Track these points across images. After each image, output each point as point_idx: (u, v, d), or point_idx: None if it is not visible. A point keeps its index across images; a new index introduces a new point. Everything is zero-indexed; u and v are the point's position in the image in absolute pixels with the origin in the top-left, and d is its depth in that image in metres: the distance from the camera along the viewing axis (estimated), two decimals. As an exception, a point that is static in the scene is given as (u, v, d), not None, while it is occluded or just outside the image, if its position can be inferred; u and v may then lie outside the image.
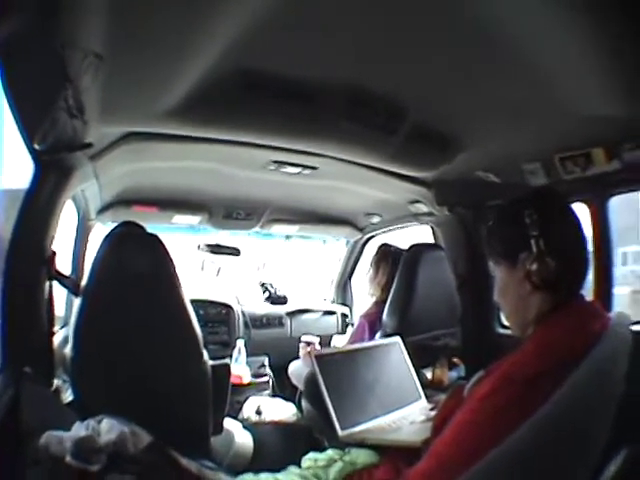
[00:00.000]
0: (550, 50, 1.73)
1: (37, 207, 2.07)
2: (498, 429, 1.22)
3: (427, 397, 2.60)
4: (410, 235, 4.68)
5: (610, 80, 1.85)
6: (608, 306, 2.71)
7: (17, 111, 1.62)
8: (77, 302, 2.15)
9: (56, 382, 2.18)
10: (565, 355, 1.32)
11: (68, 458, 1.58)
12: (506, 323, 3.51)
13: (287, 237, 5.27)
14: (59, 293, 2.31)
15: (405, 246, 3.45)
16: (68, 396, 2.21)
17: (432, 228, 4.21)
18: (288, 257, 5.98)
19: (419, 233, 4.54)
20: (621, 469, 1.16)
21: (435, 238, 4.19)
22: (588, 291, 1.63)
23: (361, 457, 1.94)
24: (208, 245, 4.50)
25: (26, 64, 1.44)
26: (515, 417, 1.18)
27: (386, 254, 3.78)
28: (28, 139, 1.74)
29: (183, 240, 4.61)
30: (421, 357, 2.86)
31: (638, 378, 1.29)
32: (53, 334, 2.25)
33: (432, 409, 2.29)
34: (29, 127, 1.70)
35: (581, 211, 1.67)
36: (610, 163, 2.51)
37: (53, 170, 2.10)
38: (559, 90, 1.99)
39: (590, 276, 1.57)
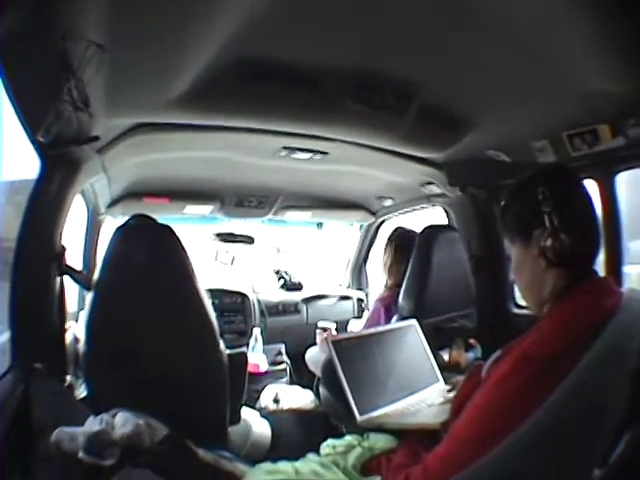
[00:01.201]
0: (553, 29, 1.72)
1: (45, 202, 2.07)
2: (518, 409, 1.21)
3: (445, 379, 2.58)
4: (424, 217, 4.66)
5: (612, 57, 1.84)
6: (619, 282, 2.71)
7: (20, 106, 1.61)
8: (89, 296, 2.14)
9: (69, 378, 2.19)
10: (582, 332, 1.32)
11: (81, 454, 1.58)
12: (521, 303, 3.54)
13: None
14: (71, 288, 2.32)
15: (419, 229, 3.43)
16: (82, 392, 2.22)
17: (445, 209, 4.20)
18: (302, 243, 5.98)
19: (433, 215, 4.53)
20: (633, 443, 1.15)
21: (448, 219, 4.18)
22: (599, 267, 1.63)
23: (380, 442, 1.93)
24: (221, 234, 4.50)
25: (27, 57, 1.43)
26: (535, 396, 1.17)
27: (399, 237, 3.76)
28: (32, 134, 1.73)
29: (196, 230, 4.62)
30: (437, 339, 2.85)
31: None
32: (65, 330, 2.26)
33: (450, 391, 2.28)
34: (33, 122, 1.69)
35: (590, 187, 1.69)
36: (615, 139, 2.51)
37: (60, 165, 2.10)
38: (563, 68, 1.97)
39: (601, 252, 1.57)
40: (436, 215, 4.42)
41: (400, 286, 3.25)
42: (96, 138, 2.01)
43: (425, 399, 2.33)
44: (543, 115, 2.48)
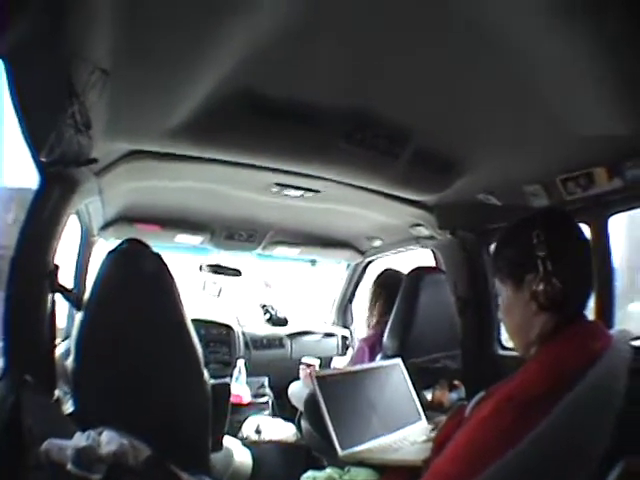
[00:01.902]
0: (549, 74, 1.74)
1: (41, 220, 2.08)
2: (498, 449, 1.20)
3: (427, 418, 2.59)
4: (410, 258, 4.68)
5: (611, 99, 1.85)
6: (610, 323, 2.71)
7: (24, 123, 1.64)
8: (79, 315, 2.16)
9: (57, 393, 2.18)
10: (567, 375, 1.31)
11: (69, 466, 1.59)
12: (506, 344, 3.53)
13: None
14: (61, 305, 2.32)
15: (405, 270, 3.46)
16: (69, 407, 2.21)
17: (433, 251, 4.21)
18: (290, 279, 5.99)
19: (419, 256, 4.55)
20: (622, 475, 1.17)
21: (436, 261, 4.19)
22: (589, 309, 1.65)
23: (360, 476, 1.94)
24: (210, 265, 4.51)
25: (34, 79, 1.46)
26: (516, 437, 1.17)
27: (386, 278, 3.79)
28: (35, 151, 1.76)
29: (185, 260, 4.62)
30: (421, 379, 2.86)
31: (637, 393, 1.30)
32: (55, 346, 2.25)
33: (433, 430, 2.29)
34: (36, 139, 1.72)
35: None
36: (611, 182, 2.50)
37: (58, 183, 2.12)
38: (559, 111, 1.99)
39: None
40: (422, 256, 4.46)
41: (385, 326, 3.27)
42: (94, 160, 2.03)
43: (408, 436, 2.34)
44: (538, 159, 2.50)
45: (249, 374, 4.28)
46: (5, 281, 2.00)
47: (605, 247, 2.78)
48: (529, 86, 1.83)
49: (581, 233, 1.58)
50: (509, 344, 3.55)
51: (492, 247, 3.29)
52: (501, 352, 3.66)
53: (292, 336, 5.02)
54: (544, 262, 1.46)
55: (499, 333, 3.66)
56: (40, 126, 1.66)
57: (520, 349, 1.63)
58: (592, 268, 1.58)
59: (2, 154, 2.39)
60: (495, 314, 3.64)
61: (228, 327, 4.67)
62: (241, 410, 4.04)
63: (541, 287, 1.46)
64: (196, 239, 4.25)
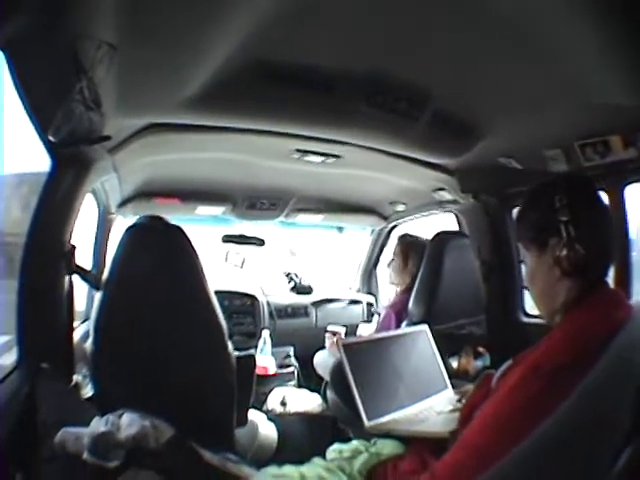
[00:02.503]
0: (568, 41, 1.71)
1: (55, 201, 2.07)
2: (527, 420, 1.21)
3: (453, 387, 2.57)
4: (433, 224, 4.65)
5: (626, 70, 1.83)
6: (628, 293, 2.71)
7: (30, 104, 1.61)
8: (98, 296, 2.14)
9: (76, 377, 2.18)
10: (591, 344, 1.32)
11: (85, 455, 1.58)
12: (530, 312, 3.51)
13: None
14: (81, 288, 2.31)
15: (428, 236, 3.43)
16: (88, 391, 2.21)
17: (456, 216, 4.19)
18: (315, 246, 5.98)
19: (442, 222, 4.52)
20: (635, 457, 1.14)
21: (459, 226, 4.17)
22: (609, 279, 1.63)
23: (387, 448, 1.92)
24: (232, 236, 4.49)
25: (38, 56, 1.43)
26: (544, 407, 1.18)
27: (408, 243, 3.76)
28: (43, 133, 1.72)
29: (207, 232, 4.61)
30: (447, 346, 2.83)
31: None
32: (73, 329, 2.25)
33: (459, 400, 2.26)
34: (43, 120, 1.69)
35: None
36: (627, 151, 2.51)
37: (71, 164, 2.10)
38: (576, 79, 1.97)
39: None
40: (447, 221, 4.42)
41: (411, 292, 3.24)
42: (107, 138, 2.01)
43: (434, 406, 2.32)
44: (556, 124, 2.48)
45: (274, 344, 4.27)
46: (19, 268, 1.99)
47: (622, 216, 2.79)
48: (548, 54, 1.81)
49: (601, 199, 1.56)
50: (533, 311, 3.54)
51: (515, 211, 3.28)
52: (525, 319, 3.66)
53: (317, 304, 5.01)
54: (567, 227, 1.46)
55: (523, 300, 3.66)
56: (47, 105, 1.63)
57: (545, 316, 1.63)
58: (613, 235, 1.57)
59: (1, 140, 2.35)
60: (519, 281, 3.62)
61: (252, 297, 4.67)
62: (266, 381, 4.03)
63: (564, 252, 1.46)
64: (217, 210, 4.24)
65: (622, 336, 1.29)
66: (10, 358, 2.03)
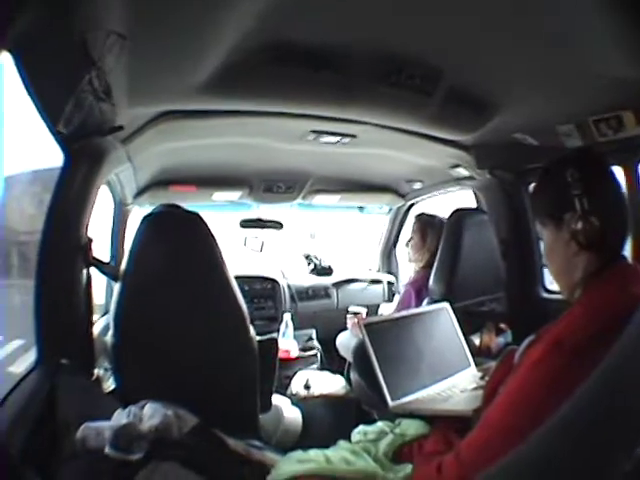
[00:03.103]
0: (580, 14, 1.68)
1: (70, 195, 2.06)
2: (552, 395, 1.18)
3: (476, 364, 2.57)
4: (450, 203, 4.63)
5: (636, 43, 1.79)
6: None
7: (38, 97, 1.59)
8: (116, 288, 2.15)
9: (97, 371, 2.19)
10: (612, 318, 1.27)
11: (107, 449, 1.58)
12: (550, 287, 3.50)
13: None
14: (100, 281, 2.32)
15: (445, 214, 3.42)
16: (110, 385, 2.22)
17: (474, 192, 4.18)
18: (334, 228, 5.97)
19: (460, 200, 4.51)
20: None
21: (477, 202, 4.17)
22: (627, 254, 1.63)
23: (411, 428, 1.92)
24: (250, 220, 4.49)
25: (45, 47, 1.41)
26: (568, 383, 1.14)
27: (425, 221, 3.77)
28: (53, 125, 1.72)
29: (224, 217, 4.63)
30: (468, 323, 2.83)
31: None
32: (92, 323, 2.27)
33: (482, 377, 2.26)
34: (53, 113, 1.68)
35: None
36: (639, 126, 2.51)
37: (84, 157, 2.09)
38: (589, 53, 1.95)
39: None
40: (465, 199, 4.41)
41: (430, 269, 3.24)
42: (120, 128, 2.01)
43: (457, 384, 2.31)
44: (569, 99, 2.46)
45: (296, 327, 4.29)
46: (35, 264, 1.99)
47: (636, 191, 2.78)
48: (560, 27, 1.78)
49: (612, 172, 1.56)
50: (552, 287, 3.53)
51: (531, 187, 3.26)
52: (545, 295, 3.65)
53: (337, 285, 5.01)
54: (580, 200, 1.46)
55: (542, 276, 3.65)
56: (56, 97, 1.62)
57: (565, 291, 1.62)
58: (627, 207, 1.56)
59: (1, 139, 2.36)
60: (538, 257, 3.61)
61: (273, 281, 4.67)
62: (289, 365, 4.05)
63: (580, 225, 1.46)
64: (234, 195, 4.24)
65: None
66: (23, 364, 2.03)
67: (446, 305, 2.73)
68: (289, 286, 4.74)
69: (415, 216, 3.94)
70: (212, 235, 2.16)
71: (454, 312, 2.71)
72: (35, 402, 1.71)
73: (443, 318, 2.68)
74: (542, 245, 1.67)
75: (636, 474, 0.97)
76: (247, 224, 4.50)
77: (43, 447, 1.59)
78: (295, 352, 4.19)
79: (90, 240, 2.16)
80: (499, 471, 1.09)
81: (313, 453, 1.77)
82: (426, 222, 3.80)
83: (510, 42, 1.95)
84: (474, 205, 4.18)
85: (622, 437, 1.07)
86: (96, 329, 2.42)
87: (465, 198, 4.39)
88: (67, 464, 1.56)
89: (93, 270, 2.21)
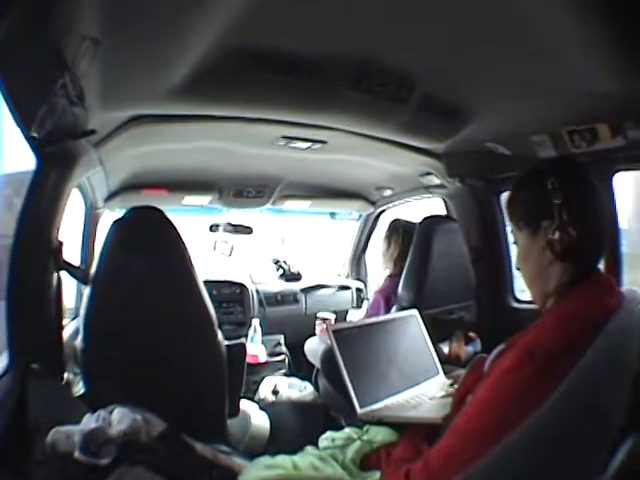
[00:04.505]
0: (556, 28, 1.71)
1: (41, 199, 2.05)
2: (521, 405, 1.22)
3: (445, 372, 2.57)
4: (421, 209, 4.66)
5: (612, 58, 1.84)
6: (619, 282, 2.72)
7: (12, 101, 1.59)
8: (87, 292, 2.13)
9: (67, 375, 2.18)
10: (584, 329, 1.31)
11: (77, 453, 1.57)
12: (520, 297, 3.53)
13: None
14: (70, 285, 2.30)
15: (416, 220, 3.43)
16: (80, 389, 2.21)
17: (444, 200, 4.21)
18: (301, 233, 5.97)
19: (430, 207, 4.54)
20: (633, 451, 1.13)
21: (447, 210, 4.19)
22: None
23: (380, 435, 1.92)
24: (219, 225, 4.48)
25: (19, 52, 1.41)
26: (537, 392, 1.16)
27: (398, 228, 3.77)
28: (26, 130, 1.71)
29: (194, 221, 4.62)
30: (437, 331, 2.83)
31: None
32: (62, 327, 2.25)
33: (451, 385, 2.26)
34: (26, 117, 1.67)
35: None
36: (614, 139, 2.54)
37: (56, 161, 2.09)
38: (564, 65, 1.97)
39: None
40: (434, 206, 4.43)
41: (399, 277, 3.24)
42: (92, 132, 2.01)
43: (426, 392, 2.31)
44: (543, 110, 2.49)
45: (264, 333, 4.29)
46: (7, 268, 1.97)
47: (611, 204, 2.83)
48: (535, 39, 1.80)
49: (593, 184, 1.57)
50: (522, 296, 3.56)
51: (503, 196, 3.30)
52: (515, 304, 3.69)
53: (306, 290, 5.01)
54: (559, 210, 1.46)
55: (512, 285, 3.69)
56: (29, 101, 1.61)
57: (537, 300, 1.63)
58: (605, 221, 1.58)
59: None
60: (508, 266, 3.65)
61: (241, 285, 4.66)
62: (257, 370, 4.06)
63: (557, 235, 1.46)
64: (204, 199, 4.24)
65: (614, 323, 1.29)
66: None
67: (415, 312, 2.73)
68: (257, 291, 4.72)
69: (389, 221, 3.95)
70: (181, 239, 2.16)
71: (423, 320, 2.72)
72: (6, 407, 1.70)
73: (412, 325, 2.68)
74: (515, 250, 1.67)
75: None
76: (217, 228, 4.48)
77: (14, 451, 1.57)
78: (263, 357, 4.18)
79: (61, 243, 2.15)
80: (471, 476, 1.10)
81: (280, 459, 1.76)
82: (391, 229, 3.83)
83: (485, 52, 1.97)
84: (443, 213, 4.19)
85: (593, 443, 1.08)
86: (66, 333, 2.40)
87: (435, 206, 4.41)
88: (37, 468, 1.55)
89: (63, 274, 2.19)
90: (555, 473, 1.02)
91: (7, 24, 1.22)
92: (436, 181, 3.83)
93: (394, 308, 3.23)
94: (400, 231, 3.72)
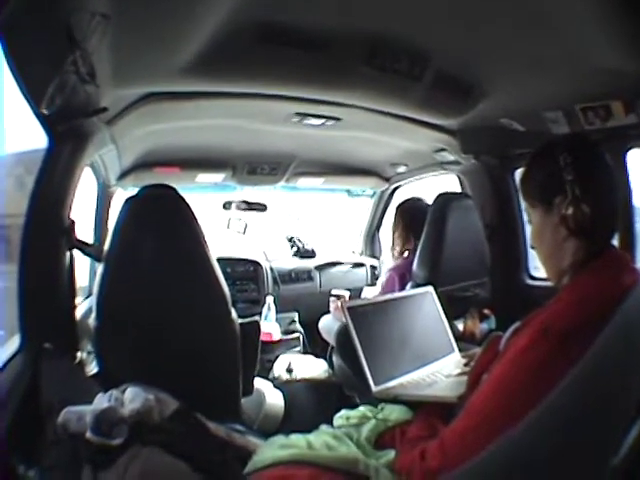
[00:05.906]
0: (570, 2, 1.70)
1: (53, 177, 2.04)
2: (537, 383, 1.22)
3: (459, 350, 2.56)
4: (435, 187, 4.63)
5: (627, 34, 1.83)
6: (633, 259, 2.68)
7: (22, 79, 1.57)
8: (99, 270, 2.13)
9: (80, 355, 2.17)
10: (600, 307, 1.29)
11: (88, 434, 1.56)
12: (534, 274, 3.51)
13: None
14: (83, 264, 2.29)
15: (429, 199, 3.41)
16: (93, 368, 2.21)
17: (458, 177, 4.20)
18: (315, 210, 5.95)
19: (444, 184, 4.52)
20: None
21: (462, 187, 4.18)
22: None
23: (394, 414, 1.91)
24: (233, 202, 4.46)
25: (29, 28, 1.39)
26: (554, 371, 1.17)
27: (411, 206, 3.74)
28: (36, 107, 1.69)
29: (208, 199, 4.61)
30: (451, 308, 2.81)
31: None
32: (75, 306, 2.25)
33: (467, 363, 2.25)
34: (36, 94, 1.65)
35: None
36: (627, 117, 2.55)
37: (68, 139, 2.07)
38: (578, 42, 1.97)
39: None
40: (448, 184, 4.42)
41: (414, 254, 3.23)
42: (104, 109, 2.00)
43: (441, 370, 2.30)
44: (557, 86, 2.48)
45: (278, 310, 4.28)
46: (19, 248, 1.97)
47: (624, 181, 2.82)
48: (549, 14, 1.80)
49: (606, 160, 1.56)
50: (537, 273, 3.54)
51: (517, 173, 3.27)
52: (529, 282, 3.68)
53: (320, 268, 5.00)
54: (572, 186, 1.46)
55: (527, 263, 3.68)
56: (39, 79, 1.60)
57: (552, 277, 1.62)
58: (618, 197, 1.56)
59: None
60: (523, 243, 3.63)
61: (255, 263, 4.65)
62: (271, 348, 4.05)
63: (570, 211, 1.46)
64: (218, 177, 4.23)
65: (630, 301, 1.26)
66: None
67: (430, 289, 2.71)
68: (272, 269, 4.71)
69: (402, 200, 3.92)
70: (195, 217, 2.16)
71: (438, 297, 2.70)
72: (19, 387, 1.70)
73: (427, 302, 2.66)
74: (529, 228, 1.67)
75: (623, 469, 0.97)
76: (231, 206, 4.46)
77: (27, 431, 1.58)
78: (277, 335, 4.18)
79: (73, 222, 2.14)
80: (486, 458, 1.09)
81: (295, 438, 1.76)
82: (398, 208, 3.80)
83: (500, 28, 1.96)
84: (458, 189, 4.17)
85: (609, 424, 1.06)
86: (79, 312, 2.40)
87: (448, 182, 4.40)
88: (49, 449, 1.55)
89: (76, 252, 2.19)
90: (571, 455, 1.01)
91: (16, 4, 1.21)
92: (450, 157, 3.82)
93: (409, 285, 3.22)
94: (414, 210, 3.68)
